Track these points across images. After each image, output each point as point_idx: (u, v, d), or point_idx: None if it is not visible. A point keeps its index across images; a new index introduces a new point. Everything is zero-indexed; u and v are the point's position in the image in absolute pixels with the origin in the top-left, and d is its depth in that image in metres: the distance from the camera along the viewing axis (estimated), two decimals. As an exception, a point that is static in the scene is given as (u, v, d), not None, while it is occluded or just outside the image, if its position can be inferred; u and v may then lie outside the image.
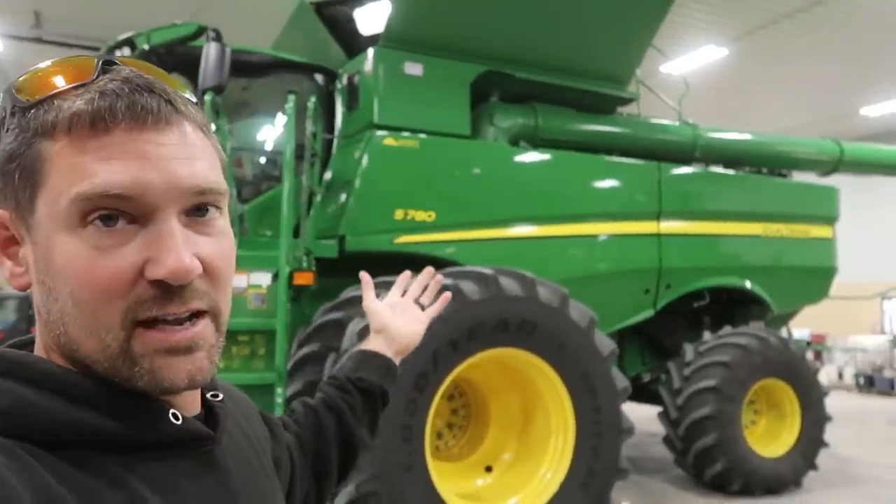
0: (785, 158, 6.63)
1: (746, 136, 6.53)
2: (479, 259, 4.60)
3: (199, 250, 0.64)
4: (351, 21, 5.37)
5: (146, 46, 4.57)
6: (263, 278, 3.77)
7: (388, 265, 4.59)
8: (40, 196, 0.61)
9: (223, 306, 0.68)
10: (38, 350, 0.67)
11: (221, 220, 0.69)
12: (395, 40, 4.81)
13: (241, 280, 3.74)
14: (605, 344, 3.83)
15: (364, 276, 1.35)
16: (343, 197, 4.62)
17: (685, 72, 9.15)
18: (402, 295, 1.36)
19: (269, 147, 5.50)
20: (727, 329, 5.53)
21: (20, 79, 0.63)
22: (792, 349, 5.36)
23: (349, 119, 4.99)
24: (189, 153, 0.64)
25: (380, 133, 4.65)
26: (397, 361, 1.27)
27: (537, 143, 5.33)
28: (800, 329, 9.63)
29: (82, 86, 0.61)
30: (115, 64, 0.64)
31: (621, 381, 3.84)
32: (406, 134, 4.73)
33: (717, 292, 5.92)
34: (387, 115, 4.73)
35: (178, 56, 4.61)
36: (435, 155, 4.81)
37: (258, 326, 3.70)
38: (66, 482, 0.57)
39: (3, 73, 12.03)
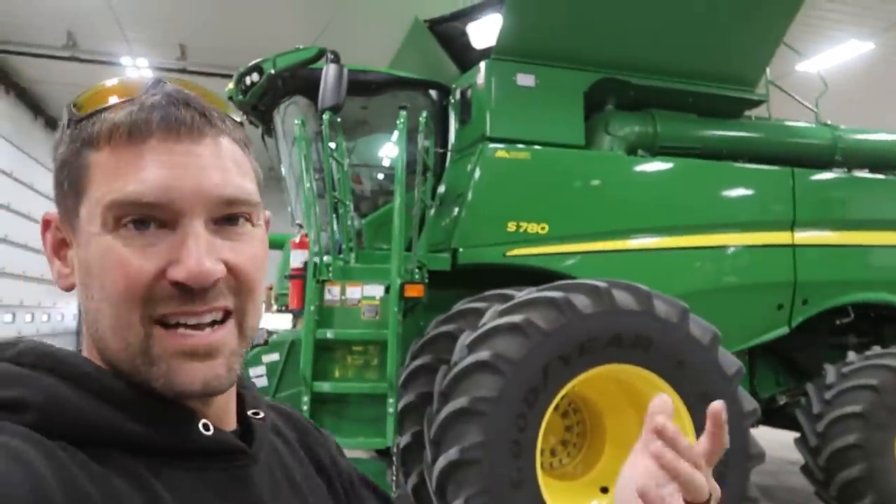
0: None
1: (894, 137, 5.94)
2: (594, 272, 4.46)
3: (226, 255, 0.66)
4: (464, 36, 5.42)
5: (272, 71, 4.83)
6: (377, 290, 3.85)
7: (501, 277, 4.59)
8: (84, 202, 0.65)
9: (249, 311, 0.69)
10: (85, 351, 0.70)
11: (254, 229, 0.70)
12: (506, 52, 4.80)
13: (355, 292, 3.84)
14: (730, 363, 3.58)
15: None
16: (456, 210, 4.65)
17: (825, 70, 8.48)
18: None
19: (386, 163, 5.64)
20: (876, 349, 5.01)
21: (80, 95, 0.68)
22: (953, 373, 4.77)
23: (462, 133, 5.03)
24: (221, 164, 0.67)
25: (492, 146, 4.64)
26: None
27: (656, 152, 5.12)
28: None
29: (129, 101, 0.66)
30: (163, 82, 0.68)
31: (749, 403, 3.58)
32: (518, 146, 4.69)
33: (862, 309, 5.40)
34: (499, 128, 4.72)
35: (302, 79, 4.84)
36: (547, 166, 4.74)
37: (371, 337, 3.78)
38: (94, 480, 0.58)
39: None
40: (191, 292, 0.64)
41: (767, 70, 5.59)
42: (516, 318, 3.35)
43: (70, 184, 0.67)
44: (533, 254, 4.59)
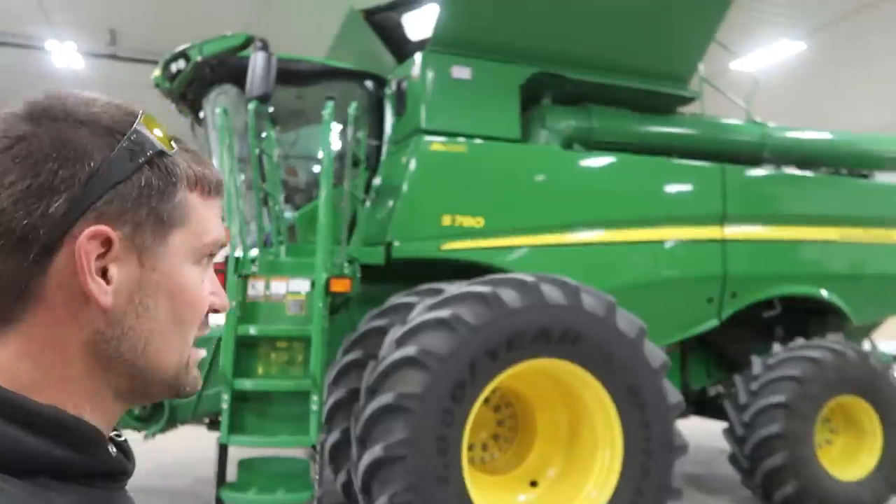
0: (866, 158, 6.18)
1: (822, 135, 6.13)
2: (529, 266, 4.46)
3: None
4: (400, 27, 5.35)
5: (199, 58, 4.67)
6: (303, 285, 3.75)
7: (438, 272, 4.55)
8: (178, 232, 0.73)
9: None
10: (6, 375, 0.68)
11: None
12: (442, 44, 4.75)
13: (280, 287, 3.74)
14: (656, 356, 3.62)
15: None
16: (390, 203, 4.59)
17: (759, 69, 8.71)
18: None
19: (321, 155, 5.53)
20: (799, 341, 5.17)
21: (150, 126, 0.73)
22: (872, 363, 4.95)
23: (398, 125, 4.96)
24: None
25: (427, 138, 4.59)
26: None
27: (592, 146, 5.15)
28: (889, 341, 8.95)
29: (184, 151, 0.76)
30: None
31: (674, 396, 3.62)
32: (454, 139, 4.65)
33: (789, 302, 5.55)
34: (434, 120, 4.67)
35: (229, 67, 4.69)
36: (483, 159, 4.71)
37: (295, 333, 3.69)
38: (38, 499, 0.60)
39: (84, 90, 12.66)
40: (206, 320, 0.78)
41: (701, 67, 5.69)
42: (444, 313, 3.31)
43: (162, 210, 0.72)
44: (468, 248, 4.56)
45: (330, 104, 4.06)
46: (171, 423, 4.39)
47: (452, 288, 3.62)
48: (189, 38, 4.82)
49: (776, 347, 5.21)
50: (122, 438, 0.78)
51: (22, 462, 0.62)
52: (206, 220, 0.76)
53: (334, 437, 3.96)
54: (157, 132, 0.72)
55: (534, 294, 3.43)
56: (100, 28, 9.68)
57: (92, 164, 0.67)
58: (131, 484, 0.76)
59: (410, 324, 3.40)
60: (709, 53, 5.53)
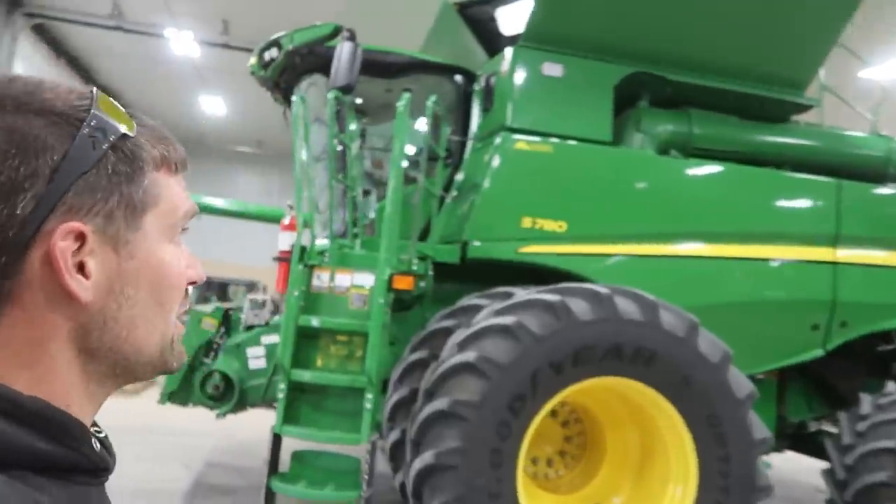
0: None
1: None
2: (612, 276, 4.20)
3: None
4: (493, 21, 5.19)
5: (290, 47, 4.71)
6: (367, 279, 3.67)
7: (513, 275, 4.37)
8: (151, 215, 0.71)
9: None
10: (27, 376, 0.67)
11: None
12: (535, 39, 4.56)
13: (344, 279, 3.68)
14: (742, 385, 3.28)
15: None
16: (470, 201, 4.45)
17: (890, 79, 7.92)
18: None
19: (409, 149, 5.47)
20: (918, 381, 4.60)
21: (107, 108, 0.69)
22: None
23: (484, 121, 4.82)
24: None
25: (512, 136, 4.42)
26: None
27: (690, 153, 4.80)
28: None
29: (146, 129, 0.74)
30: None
31: (760, 431, 3.28)
32: (540, 138, 4.45)
33: (909, 336, 4.97)
34: (521, 118, 4.49)
35: (319, 56, 4.71)
36: (570, 161, 4.49)
37: (355, 328, 3.61)
38: (16, 494, 0.58)
39: (200, 77, 13.31)
40: (186, 292, 0.78)
41: (822, 74, 5.19)
42: (508, 319, 3.13)
43: (132, 195, 0.69)
44: (547, 252, 4.35)
45: (406, 96, 3.97)
46: (241, 406, 4.46)
47: (522, 293, 3.43)
48: (293, 28, 4.88)
49: (891, 386, 4.66)
50: (103, 434, 0.77)
51: (2, 453, 0.61)
52: (175, 196, 0.75)
53: (394, 435, 3.87)
54: (115, 113, 0.69)
55: (606, 307, 3.19)
56: (214, 18, 10.11)
57: (55, 157, 0.64)
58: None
59: (473, 328, 3.25)
60: (833, 59, 5.04)
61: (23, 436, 0.62)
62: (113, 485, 0.86)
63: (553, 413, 3.91)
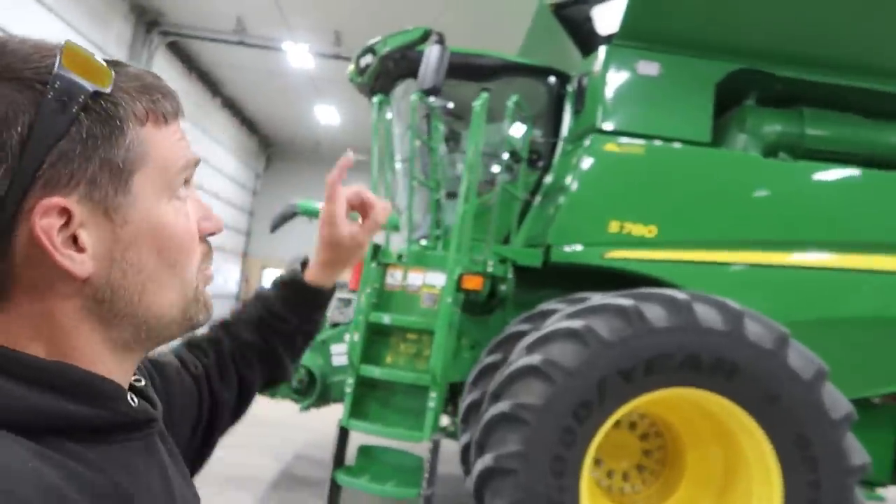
0: None
1: None
2: (703, 284, 3.95)
3: None
4: (589, 21, 5.06)
5: (384, 52, 4.82)
6: (439, 279, 3.67)
7: (601, 282, 4.22)
8: (140, 174, 0.66)
9: None
10: (6, 341, 0.65)
11: None
12: (630, 36, 4.40)
13: (416, 278, 3.70)
14: (839, 405, 2.99)
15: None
16: (556, 204, 4.35)
17: None
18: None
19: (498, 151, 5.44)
20: None
21: (75, 65, 0.63)
22: None
23: (575, 123, 4.70)
24: None
25: (601, 137, 4.28)
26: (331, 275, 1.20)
27: (801, 155, 4.45)
28: None
29: (128, 78, 0.68)
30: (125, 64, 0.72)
31: (858, 456, 2.96)
32: (632, 139, 4.28)
33: None
34: (612, 119, 4.34)
35: (411, 60, 4.78)
36: (663, 163, 4.28)
37: (424, 326, 3.61)
38: (47, 461, 0.57)
39: (315, 87, 13.87)
40: (207, 242, 0.76)
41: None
42: (577, 323, 3.03)
43: (115, 158, 0.65)
44: (636, 258, 4.17)
45: (484, 96, 3.94)
46: (324, 401, 4.59)
47: (597, 297, 3.31)
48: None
49: None
50: (143, 383, 0.76)
51: (32, 420, 0.59)
52: (167, 149, 0.69)
53: (466, 438, 3.85)
54: (86, 69, 0.62)
55: (684, 314, 3.01)
56: (327, 30, 10.54)
57: (20, 129, 0.59)
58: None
59: (543, 331, 3.17)
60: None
61: (50, 400, 0.60)
62: (205, 470, 0.90)
63: (632, 425, 3.74)
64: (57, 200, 0.61)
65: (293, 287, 1.16)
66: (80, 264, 0.63)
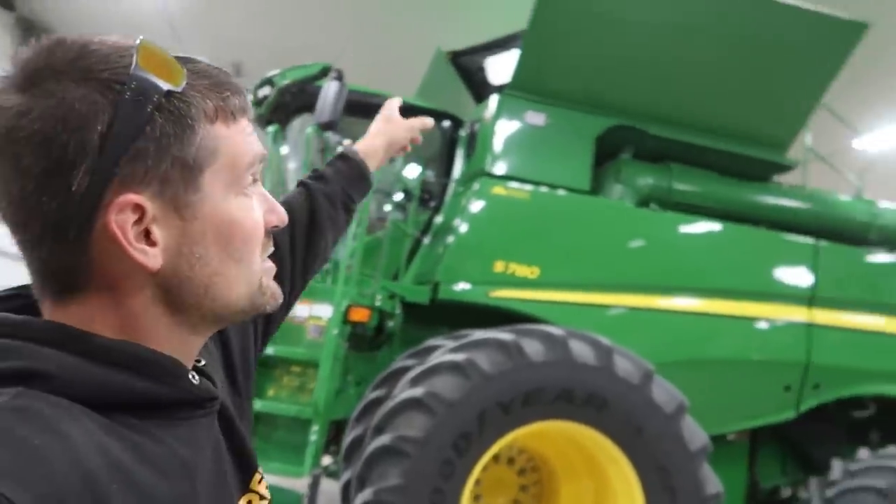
0: None
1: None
2: (581, 326, 4.17)
3: None
4: (482, 70, 5.32)
5: (282, 85, 4.84)
6: (326, 311, 3.68)
7: (486, 319, 4.36)
8: (210, 171, 0.68)
9: None
10: (109, 329, 0.69)
11: None
12: (520, 87, 4.66)
13: (302, 309, 3.69)
14: (696, 437, 3.23)
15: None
16: (445, 243, 4.48)
17: (888, 149, 7.98)
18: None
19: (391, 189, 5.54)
20: (891, 450, 4.50)
21: (150, 64, 0.66)
22: (980, 489, 4.21)
23: (466, 166, 4.89)
24: None
25: (490, 181, 4.47)
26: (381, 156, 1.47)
27: (670, 207, 4.83)
28: None
29: (200, 76, 0.70)
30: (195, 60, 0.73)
31: (712, 486, 3.20)
32: (518, 184, 4.50)
33: (887, 404, 4.88)
34: (500, 164, 4.56)
35: (308, 94, 4.82)
36: (546, 208, 4.52)
37: (307, 358, 3.60)
38: (113, 434, 0.61)
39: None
40: (271, 235, 0.77)
41: (809, 137, 5.26)
42: (459, 356, 3.13)
43: (185, 155, 0.67)
44: (518, 297, 4.35)
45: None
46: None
47: (479, 333, 3.43)
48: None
49: (863, 453, 4.56)
50: (203, 363, 0.79)
51: (101, 396, 0.62)
52: (236, 144, 0.71)
53: (346, 475, 3.82)
54: (159, 68, 0.66)
55: (560, 349, 3.17)
56: (227, 62, 10.39)
57: (100, 128, 0.62)
58: None
59: (427, 365, 3.24)
60: (830, 127, 5.09)
61: (116, 376, 0.64)
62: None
63: (510, 460, 3.85)
64: (132, 197, 0.65)
65: (345, 157, 1.35)
66: (151, 258, 0.67)
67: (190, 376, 0.72)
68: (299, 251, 1.16)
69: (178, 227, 0.68)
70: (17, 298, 0.71)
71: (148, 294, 0.69)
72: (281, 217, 0.77)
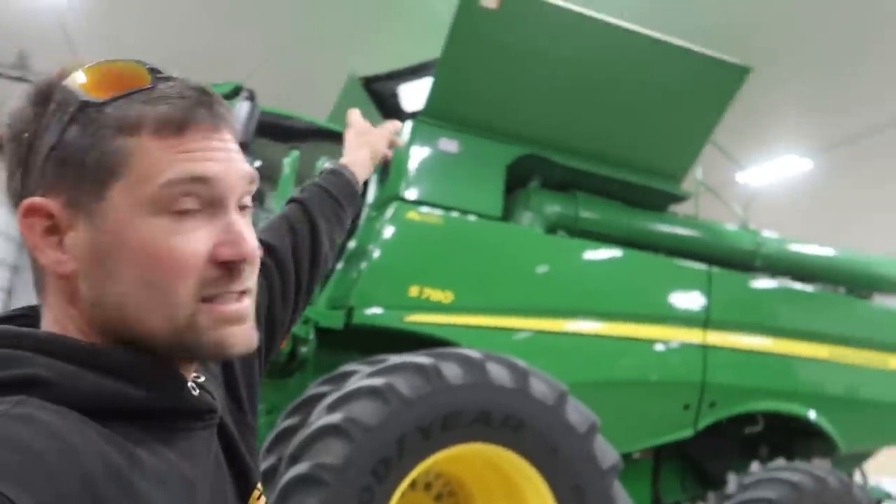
0: (867, 278, 5.96)
1: (821, 250, 5.94)
2: (493, 347, 4.24)
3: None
4: (395, 97, 5.37)
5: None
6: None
7: (401, 344, 4.34)
8: (116, 185, 0.67)
9: (255, 288, 0.78)
10: (58, 329, 0.70)
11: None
12: (433, 115, 4.73)
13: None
14: (608, 455, 3.33)
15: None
16: (359, 268, 4.45)
17: (765, 183, 8.65)
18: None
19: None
20: (779, 462, 4.81)
21: (82, 77, 0.68)
22: (856, 495, 4.57)
23: (380, 192, 4.89)
24: (238, 151, 0.76)
25: (403, 206, 4.50)
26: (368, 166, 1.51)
27: (577, 234, 5.02)
28: (891, 477, 8.42)
29: (145, 90, 0.69)
30: (159, 71, 0.72)
31: (624, 502, 3.31)
32: (431, 210, 4.55)
33: (775, 420, 5.23)
34: (414, 189, 4.59)
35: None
36: (458, 233, 4.59)
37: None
38: (112, 444, 0.61)
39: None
40: (232, 271, 0.70)
41: (700, 171, 5.62)
42: (377, 381, 3.10)
43: (94, 167, 0.66)
44: (433, 322, 4.37)
45: (295, 154, 4.01)
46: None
47: (396, 357, 3.41)
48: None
49: (754, 466, 4.86)
50: (203, 379, 0.78)
51: (98, 403, 0.63)
52: (156, 162, 0.68)
53: (258, 507, 3.67)
54: (95, 81, 0.68)
55: (478, 372, 3.21)
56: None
57: (26, 135, 0.67)
58: None
59: (344, 390, 3.19)
60: (716, 161, 5.46)
61: (111, 384, 0.63)
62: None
63: (427, 486, 3.83)
64: (35, 201, 0.67)
65: (334, 171, 1.35)
66: (60, 264, 0.68)
67: (189, 386, 0.73)
68: (304, 267, 1.15)
69: (87, 236, 0.68)
70: (23, 318, 0.74)
71: (83, 305, 0.69)
72: (236, 252, 0.70)
